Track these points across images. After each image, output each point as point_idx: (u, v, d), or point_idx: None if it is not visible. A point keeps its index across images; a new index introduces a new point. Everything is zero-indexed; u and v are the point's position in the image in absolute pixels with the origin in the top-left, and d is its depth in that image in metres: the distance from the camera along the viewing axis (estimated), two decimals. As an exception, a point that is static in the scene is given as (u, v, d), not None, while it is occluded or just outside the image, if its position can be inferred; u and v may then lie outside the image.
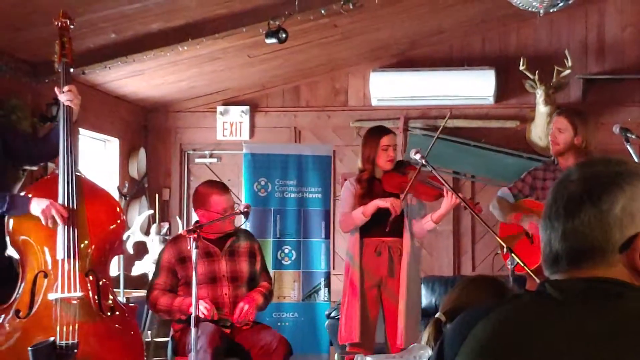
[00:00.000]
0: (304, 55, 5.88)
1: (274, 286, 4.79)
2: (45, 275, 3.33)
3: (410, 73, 6.17)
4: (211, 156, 6.69)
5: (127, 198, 5.80)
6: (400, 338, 4.05)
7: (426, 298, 6.06)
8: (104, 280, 3.45)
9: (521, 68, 5.79)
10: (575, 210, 1.17)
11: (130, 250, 5.69)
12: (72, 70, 3.57)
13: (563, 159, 4.03)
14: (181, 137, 6.73)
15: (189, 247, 3.86)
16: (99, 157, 6.28)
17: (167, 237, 5.81)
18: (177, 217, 6.44)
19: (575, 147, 3.97)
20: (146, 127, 6.75)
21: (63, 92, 3.42)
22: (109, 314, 3.40)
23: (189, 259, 3.89)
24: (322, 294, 5.63)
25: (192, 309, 3.53)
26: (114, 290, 3.81)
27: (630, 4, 6.09)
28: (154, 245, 5.78)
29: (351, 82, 6.53)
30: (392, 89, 6.16)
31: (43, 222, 3.28)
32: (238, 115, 6.57)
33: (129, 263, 5.72)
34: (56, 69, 3.53)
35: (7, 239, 3.38)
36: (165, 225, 6.29)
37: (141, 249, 5.86)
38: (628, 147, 3.89)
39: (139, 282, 5.62)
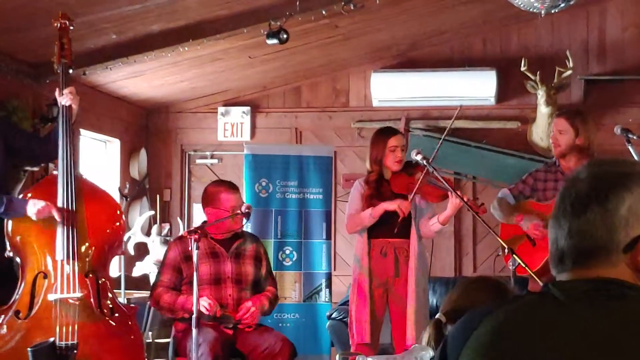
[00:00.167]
0: (304, 56, 5.88)
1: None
2: (45, 276, 3.33)
3: (411, 74, 6.17)
4: (212, 157, 6.69)
5: (128, 199, 5.80)
6: (410, 339, 4.06)
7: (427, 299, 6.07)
8: (104, 280, 3.45)
9: (522, 69, 5.79)
10: (581, 209, 1.18)
11: (131, 251, 5.68)
12: (71, 71, 3.57)
13: (565, 160, 4.03)
14: (182, 137, 6.73)
15: (202, 248, 3.87)
16: (99, 158, 6.28)
17: (167, 238, 5.81)
18: (178, 218, 6.44)
19: (577, 148, 3.97)
20: (147, 128, 6.75)
21: (62, 94, 3.43)
22: (108, 314, 3.40)
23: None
24: (323, 294, 5.63)
25: (194, 311, 3.52)
26: (115, 291, 3.81)
27: (632, 4, 6.09)
28: (155, 246, 5.77)
29: (352, 82, 6.53)
30: (393, 89, 6.16)
31: (34, 218, 3.28)
32: (239, 116, 6.57)
33: (129, 264, 5.72)
34: (55, 70, 3.53)
35: (7, 240, 3.38)
36: (166, 226, 6.29)
37: (142, 250, 5.86)
38: (629, 147, 3.89)
39: (140, 283, 5.62)
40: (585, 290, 1.15)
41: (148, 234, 5.93)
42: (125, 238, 5.37)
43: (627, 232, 1.16)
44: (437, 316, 1.81)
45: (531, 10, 3.92)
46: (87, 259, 3.39)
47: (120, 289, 5.14)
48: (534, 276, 3.59)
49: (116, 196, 5.40)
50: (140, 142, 6.60)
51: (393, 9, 5.09)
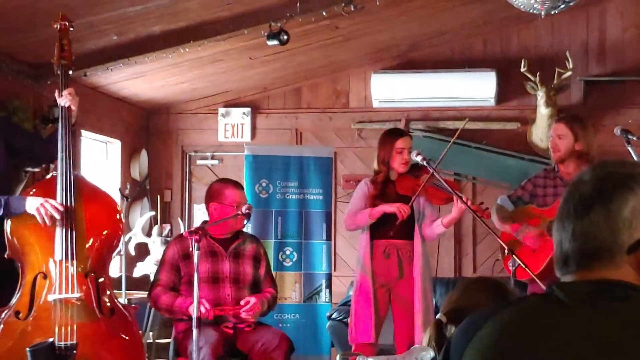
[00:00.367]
0: (305, 57, 5.89)
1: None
2: (45, 277, 3.33)
3: (411, 75, 6.17)
4: (213, 158, 6.69)
5: (129, 200, 5.80)
6: (418, 342, 4.06)
7: (427, 300, 6.07)
8: (104, 280, 3.45)
9: (522, 70, 5.79)
10: (585, 211, 1.18)
11: (132, 252, 5.69)
12: (71, 72, 3.58)
13: (564, 165, 4.02)
14: (183, 138, 6.74)
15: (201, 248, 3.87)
16: (100, 159, 6.29)
17: (168, 239, 5.81)
18: (179, 219, 6.44)
19: (576, 154, 3.95)
20: (148, 129, 6.75)
21: (62, 95, 3.44)
22: (108, 314, 3.41)
23: (193, 256, 3.90)
24: (323, 295, 5.63)
25: (194, 311, 3.52)
26: (116, 291, 3.81)
27: (632, 5, 6.09)
28: (156, 246, 5.78)
29: (352, 83, 6.53)
30: (393, 90, 6.16)
31: (39, 220, 3.28)
32: (239, 116, 6.57)
33: (130, 264, 5.72)
34: (55, 72, 3.54)
35: (6, 241, 3.38)
36: (167, 227, 6.30)
37: (143, 251, 5.86)
38: (629, 148, 3.89)
39: (141, 283, 5.62)
40: (589, 292, 1.15)
41: (149, 234, 5.94)
42: (126, 238, 5.38)
43: (630, 234, 1.16)
44: (437, 316, 1.82)
45: (531, 11, 3.92)
46: (86, 259, 3.39)
47: (121, 289, 5.14)
48: (534, 277, 3.59)
49: (117, 197, 5.41)
50: (141, 143, 6.60)
51: (393, 10, 5.09)
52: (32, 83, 4.92)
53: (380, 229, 4.18)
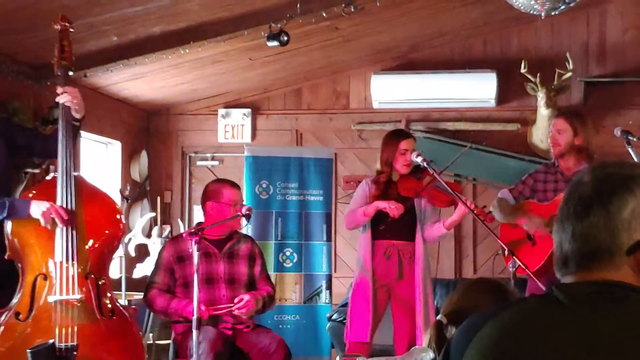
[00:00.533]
0: (305, 58, 5.89)
1: (276, 289, 4.78)
2: (45, 278, 3.33)
3: (411, 76, 6.17)
4: (213, 159, 6.69)
5: (129, 201, 5.80)
6: (419, 342, 4.07)
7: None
8: (104, 281, 3.45)
9: (522, 71, 5.79)
10: (584, 212, 1.18)
11: (132, 253, 5.69)
12: (71, 73, 3.57)
13: (563, 160, 4.03)
14: (183, 139, 6.74)
15: (189, 248, 3.87)
16: (100, 160, 6.29)
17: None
18: (179, 220, 6.44)
19: (575, 148, 3.98)
20: (148, 130, 6.75)
21: (61, 92, 3.44)
22: (108, 316, 3.40)
23: (188, 258, 3.90)
24: (324, 296, 5.63)
25: (194, 312, 3.52)
26: (116, 292, 3.81)
27: (632, 6, 6.09)
28: (156, 247, 5.78)
29: (352, 84, 6.53)
30: (393, 91, 6.16)
31: (42, 223, 3.29)
32: (240, 117, 6.57)
33: (130, 265, 5.72)
34: (55, 72, 3.53)
35: (6, 242, 3.38)
36: (167, 228, 6.30)
37: (143, 252, 5.86)
38: (629, 149, 3.89)
39: (141, 284, 5.60)
40: (588, 293, 1.15)
41: (149, 235, 5.94)
42: (126, 240, 5.38)
43: (630, 235, 1.16)
44: (438, 318, 1.82)
45: (531, 12, 3.92)
46: (86, 260, 3.39)
47: (121, 290, 5.14)
48: (534, 277, 3.60)
49: (117, 198, 5.41)
50: (141, 144, 6.60)
51: (393, 11, 5.10)
52: (32, 84, 4.92)
53: (381, 229, 4.19)
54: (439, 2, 5.26)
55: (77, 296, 3.30)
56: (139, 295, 5.33)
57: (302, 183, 5.70)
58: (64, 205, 3.34)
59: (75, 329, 3.27)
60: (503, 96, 6.19)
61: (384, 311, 4.24)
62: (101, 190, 3.68)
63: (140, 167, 6.43)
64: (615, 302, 1.13)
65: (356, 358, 3.63)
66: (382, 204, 4.10)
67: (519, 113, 6.23)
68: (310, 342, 5.54)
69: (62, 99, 3.43)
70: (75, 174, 3.45)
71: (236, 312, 3.83)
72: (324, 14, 4.60)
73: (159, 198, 6.39)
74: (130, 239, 5.63)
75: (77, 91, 3.48)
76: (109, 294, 3.47)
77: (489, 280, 2.02)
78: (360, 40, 5.73)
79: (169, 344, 4.20)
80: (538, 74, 5.77)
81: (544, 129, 5.82)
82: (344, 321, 5.06)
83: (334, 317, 5.50)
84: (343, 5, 4.55)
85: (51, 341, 3.19)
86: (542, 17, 3.98)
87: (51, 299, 3.29)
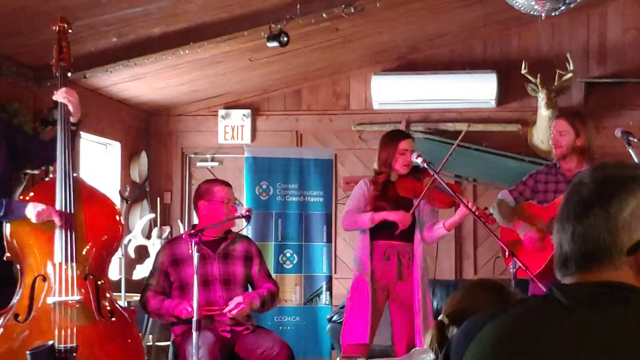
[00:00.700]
0: (305, 58, 5.89)
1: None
2: (44, 279, 3.32)
3: (411, 77, 6.17)
4: (212, 160, 6.69)
5: (129, 202, 5.80)
6: (419, 344, 4.06)
7: (428, 302, 6.06)
8: (103, 283, 3.45)
9: (523, 71, 5.79)
10: (584, 212, 1.18)
11: (132, 254, 5.68)
12: (69, 74, 3.57)
13: (565, 162, 4.03)
14: (182, 140, 6.74)
15: (187, 250, 3.87)
16: (100, 161, 6.28)
17: (168, 241, 5.80)
18: (179, 221, 6.44)
19: (577, 149, 3.97)
20: (148, 131, 6.75)
21: (57, 92, 3.44)
22: (107, 317, 3.40)
23: (183, 261, 3.91)
24: (324, 297, 5.63)
25: (194, 314, 3.51)
26: (115, 294, 3.81)
27: (632, 7, 6.09)
28: (156, 249, 5.76)
29: (352, 85, 6.53)
30: (393, 92, 6.16)
31: (34, 220, 3.28)
32: (239, 118, 6.57)
33: (130, 267, 5.72)
34: (54, 73, 3.53)
35: (5, 243, 3.38)
36: (167, 229, 6.29)
37: (142, 253, 5.86)
38: (630, 150, 3.89)
39: (140, 286, 5.59)
40: (588, 294, 1.15)
41: (148, 236, 5.93)
42: (125, 241, 5.38)
43: (630, 236, 1.16)
44: (439, 318, 1.82)
45: (531, 13, 3.92)
46: (85, 262, 3.39)
47: (120, 292, 5.14)
48: (534, 278, 3.59)
49: (117, 199, 5.40)
50: (140, 145, 6.60)
51: (393, 11, 5.09)
52: (32, 85, 4.91)
53: (380, 230, 4.18)
54: (439, 2, 5.26)
55: (76, 297, 3.29)
56: (138, 297, 5.32)
57: (302, 184, 5.69)
58: (63, 207, 3.33)
59: (75, 330, 3.27)
60: (503, 97, 6.19)
61: (382, 312, 4.23)
62: (100, 192, 3.68)
63: (140, 168, 6.43)
64: (616, 303, 1.13)
65: (356, 359, 3.62)
66: (392, 217, 4.08)
67: (519, 114, 6.22)
68: (310, 344, 5.54)
69: (58, 97, 3.43)
70: (74, 175, 3.45)
71: (229, 315, 3.82)
72: (324, 15, 4.59)
73: (158, 199, 6.39)
74: (129, 240, 5.63)
75: (74, 92, 3.48)
76: (108, 296, 3.46)
77: (490, 281, 2.02)
78: (360, 41, 5.72)
79: (168, 346, 4.19)
80: (538, 75, 5.77)
81: (544, 130, 5.82)
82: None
83: (334, 318, 5.50)
84: (343, 6, 4.55)
85: (50, 342, 3.18)
86: (542, 18, 3.98)
87: (50, 300, 3.28)
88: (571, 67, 5.74)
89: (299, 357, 4.15)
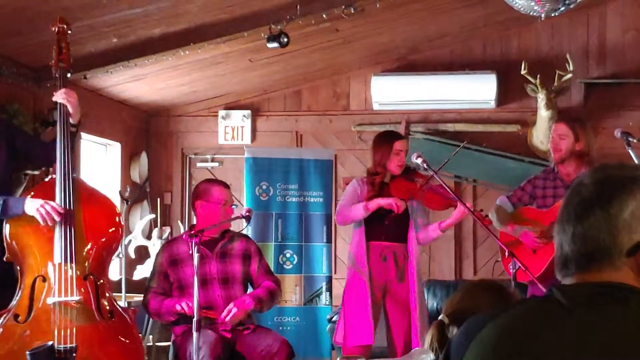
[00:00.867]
0: (305, 59, 5.89)
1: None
2: (44, 280, 3.32)
3: (411, 77, 6.18)
4: (213, 160, 6.69)
5: (129, 202, 5.80)
6: (415, 343, 4.07)
7: (428, 302, 6.06)
8: (103, 283, 3.45)
9: (522, 72, 5.79)
10: (585, 213, 1.18)
11: (132, 255, 5.68)
12: (69, 75, 3.57)
13: (564, 166, 4.02)
14: (183, 141, 6.74)
15: (185, 250, 3.88)
16: (100, 162, 6.29)
17: (168, 242, 5.80)
18: (179, 222, 6.44)
19: (576, 154, 3.97)
20: (148, 131, 6.75)
21: (57, 93, 3.44)
22: (107, 317, 3.40)
23: (181, 261, 3.91)
24: (324, 298, 5.63)
25: (195, 314, 3.51)
26: (116, 294, 3.81)
27: (632, 7, 6.09)
28: (156, 249, 5.77)
29: (352, 86, 6.53)
30: (393, 93, 6.17)
31: (41, 222, 3.28)
32: (239, 119, 6.57)
33: (130, 267, 5.72)
34: (54, 74, 3.54)
35: (5, 243, 3.38)
36: (167, 230, 6.29)
37: (143, 253, 5.86)
38: (629, 151, 3.89)
39: (141, 286, 5.60)
40: (588, 294, 1.15)
41: (149, 237, 5.93)
42: (125, 241, 5.38)
43: (630, 236, 1.16)
44: (439, 318, 1.82)
45: (531, 13, 3.92)
46: (85, 262, 3.39)
47: (120, 292, 5.14)
48: (534, 278, 3.59)
49: (117, 199, 5.41)
50: (141, 146, 6.60)
51: (393, 12, 5.10)
52: (32, 86, 4.92)
53: (374, 230, 4.18)
54: (439, 3, 5.26)
55: (76, 298, 3.29)
56: (138, 297, 5.32)
57: (302, 184, 5.69)
58: (63, 205, 3.33)
59: (75, 330, 3.26)
60: (503, 97, 6.19)
61: (378, 315, 4.23)
62: (100, 192, 3.68)
63: (140, 169, 6.43)
64: (616, 304, 1.13)
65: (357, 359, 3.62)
66: (386, 201, 4.09)
67: (519, 114, 6.23)
68: (310, 344, 5.54)
69: (57, 98, 3.43)
70: (74, 175, 3.45)
71: (225, 320, 3.82)
72: (324, 16, 4.60)
73: (158, 200, 6.39)
74: (130, 241, 5.63)
75: (73, 93, 3.48)
76: (108, 296, 3.46)
77: (490, 282, 2.03)
78: (360, 42, 5.73)
79: (168, 346, 4.19)
80: (538, 76, 5.77)
81: (544, 131, 5.82)
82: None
83: (334, 318, 5.50)
84: (343, 6, 4.55)
85: (50, 343, 3.18)
86: (542, 19, 3.98)
87: (50, 300, 3.28)
88: (571, 68, 5.74)
89: (299, 357, 4.15)
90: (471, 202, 6.13)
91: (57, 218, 3.28)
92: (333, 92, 6.57)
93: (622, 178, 1.19)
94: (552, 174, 4.09)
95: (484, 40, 6.30)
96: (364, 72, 6.41)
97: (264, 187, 5.68)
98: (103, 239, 3.50)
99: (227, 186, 4.12)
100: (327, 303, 5.63)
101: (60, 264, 3.30)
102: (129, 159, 6.43)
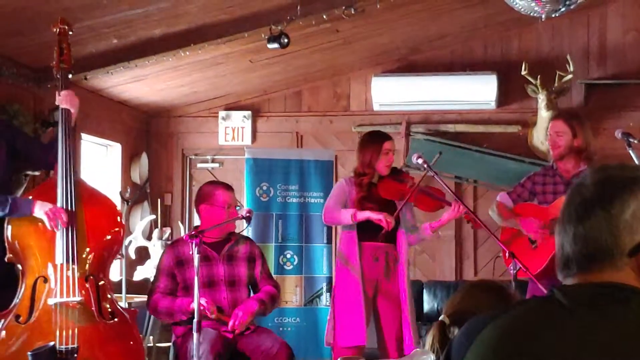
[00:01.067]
0: (305, 60, 5.89)
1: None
2: (45, 280, 3.33)
3: (412, 78, 6.18)
4: (213, 161, 6.69)
5: (129, 203, 5.80)
6: (408, 341, 4.07)
7: (428, 303, 6.06)
8: (104, 284, 3.45)
9: (523, 73, 5.80)
10: (586, 214, 1.18)
11: (132, 256, 5.68)
12: (70, 76, 3.58)
13: (563, 163, 4.02)
14: (183, 142, 6.74)
15: (189, 252, 3.87)
16: (101, 162, 6.29)
17: (169, 243, 5.80)
18: (179, 222, 6.44)
19: (575, 150, 3.97)
20: (148, 132, 6.75)
21: (60, 95, 3.45)
22: (108, 318, 3.40)
23: (187, 262, 3.90)
24: (324, 298, 5.63)
25: (195, 313, 3.51)
26: (116, 295, 3.81)
27: (632, 8, 6.10)
28: (156, 250, 5.77)
29: (353, 87, 6.53)
30: (393, 93, 6.17)
31: (48, 225, 3.29)
32: (240, 120, 6.58)
33: (131, 268, 5.72)
34: (55, 75, 3.54)
35: (6, 244, 3.38)
36: (167, 230, 6.29)
37: (143, 254, 5.86)
38: (630, 151, 3.89)
39: (141, 287, 5.61)
40: (590, 295, 1.15)
41: (149, 238, 5.93)
42: (126, 242, 5.38)
43: (631, 237, 1.16)
44: (440, 318, 1.82)
45: (532, 14, 3.92)
46: (86, 263, 3.39)
47: (121, 293, 5.14)
48: (534, 279, 3.59)
49: (117, 200, 5.41)
50: (141, 146, 6.60)
51: (394, 13, 5.10)
52: (32, 86, 4.92)
53: (367, 231, 4.17)
54: (440, 4, 5.26)
55: (77, 298, 3.30)
56: (139, 298, 5.33)
57: (302, 185, 5.70)
58: (64, 208, 3.34)
59: (76, 331, 3.27)
60: (503, 98, 6.19)
61: (370, 314, 4.22)
62: (101, 193, 3.68)
63: (141, 170, 6.43)
64: (617, 304, 1.13)
65: (356, 360, 3.62)
66: (376, 217, 4.08)
67: (519, 115, 6.23)
68: (311, 345, 5.54)
69: (62, 104, 3.44)
70: (75, 176, 3.46)
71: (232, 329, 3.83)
72: (325, 16, 4.60)
73: (159, 200, 6.39)
74: (130, 242, 5.63)
75: (76, 97, 3.48)
76: (109, 297, 3.46)
77: (491, 282, 2.03)
78: (360, 43, 5.73)
79: (169, 347, 4.19)
80: (539, 76, 5.77)
81: (544, 131, 5.81)
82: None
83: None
84: (343, 7, 4.55)
85: (52, 344, 3.18)
86: (543, 19, 3.98)
87: (51, 301, 3.29)
88: (571, 69, 5.74)
89: (299, 358, 4.15)
90: (472, 202, 6.14)
91: (63, 226, 3.29)
92: (333, 93, 6.57)
93: (623, 178, 1.19)
94: (551, 171, 4.10)
95: (485, 40, 6.30)
96: (364, 73, 6.41)
97: (265, 187, 5.68)
98: (104, 240, 3.50)
99: (230, 188, 4.11)
100: (328, 304, 5.62)
101: (61, 265, 3.31)
102: (129, 159, 6.43)
